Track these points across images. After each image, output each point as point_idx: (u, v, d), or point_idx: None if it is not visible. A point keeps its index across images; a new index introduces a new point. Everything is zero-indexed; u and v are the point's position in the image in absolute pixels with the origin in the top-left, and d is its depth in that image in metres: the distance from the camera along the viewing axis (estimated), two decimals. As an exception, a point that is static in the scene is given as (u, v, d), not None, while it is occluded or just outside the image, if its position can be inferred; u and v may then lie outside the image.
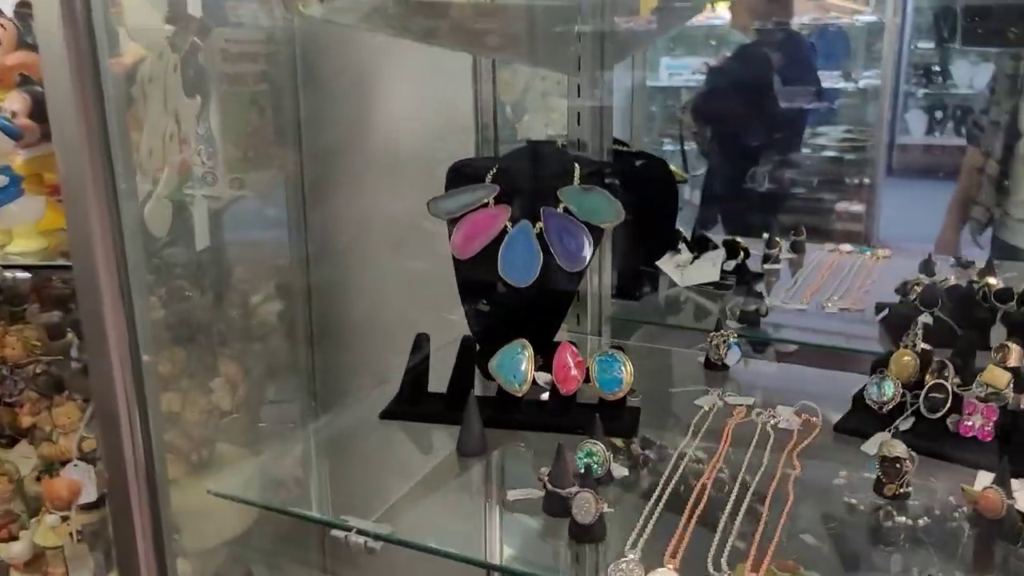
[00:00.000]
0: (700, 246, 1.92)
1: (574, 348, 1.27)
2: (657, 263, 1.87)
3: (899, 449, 1.01)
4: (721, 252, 1.85)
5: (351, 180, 1.88)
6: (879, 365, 1.28)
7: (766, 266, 1.95)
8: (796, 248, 2.06)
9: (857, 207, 4.70)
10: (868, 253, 2.03)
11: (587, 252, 1.35)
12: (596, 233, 1.37)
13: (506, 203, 1.41)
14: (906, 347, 1.28)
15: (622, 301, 1.79)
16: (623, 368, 1.23)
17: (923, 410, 1.15)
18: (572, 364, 1.25)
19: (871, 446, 1.15)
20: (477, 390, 1.29)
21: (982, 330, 1.44)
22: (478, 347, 1.34)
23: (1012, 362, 1.20)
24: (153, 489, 1.18)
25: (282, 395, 2.00)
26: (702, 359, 1.46)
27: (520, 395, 1.25)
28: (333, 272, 1.97)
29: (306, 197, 1.86)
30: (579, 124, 1.51)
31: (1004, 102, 2.14)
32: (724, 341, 1.40)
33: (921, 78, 6.28)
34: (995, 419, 1.10)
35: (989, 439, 1.10)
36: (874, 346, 1.52)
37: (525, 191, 1.43)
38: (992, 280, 1.52)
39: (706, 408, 1.29)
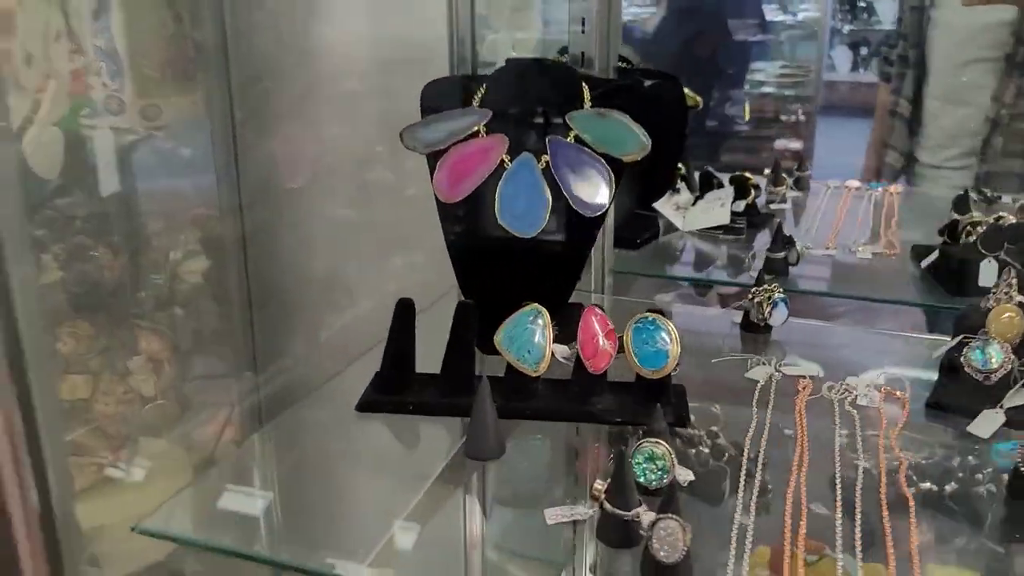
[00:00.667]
0: (703, 184, 1.67)
1: (601, 313, 1.00)
2: (655, 205, 1.62)
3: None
4: (729, 191, 1.60)
5: (292, 110, 1.55)
6: (966, 324, 1.06)
7: (772, 206, 1.72)
8: (800, 185, 1.84)
9: (795, 144, 4.56)
10: (879, 188, 1.82)
11: (606, 192, 1.08)
12: (616, 167, 1.10)
13: (501, 132, 1.13)
14: (999, 301, 1.06)
15: (618, 250, 1.53)
16: (668, 337, 0.97)
17: (1041, 380, 0.93)
18: (602, 334, 0.99)
19: (981, 427, 0.92)
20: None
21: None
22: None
23: None
24: (48, 512, 0.88)
25: (215, 370, 1.69)
26: (737, 319, 1.22)
27: (536, 376, 0.99)
28: (271, 222, 1.65)
29: (237, 132, 1.53)
30: (584, 33, 1.23)
31: (911, 35, 1.97)
32: (768, 298, 1.16)
33: (847, 14, 6.16)
34: None
35: None
36: (926, 297, 1.31)
37: (524, 117, 1.14)
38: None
39: (761, 382, 1.05)
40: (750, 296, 1.17)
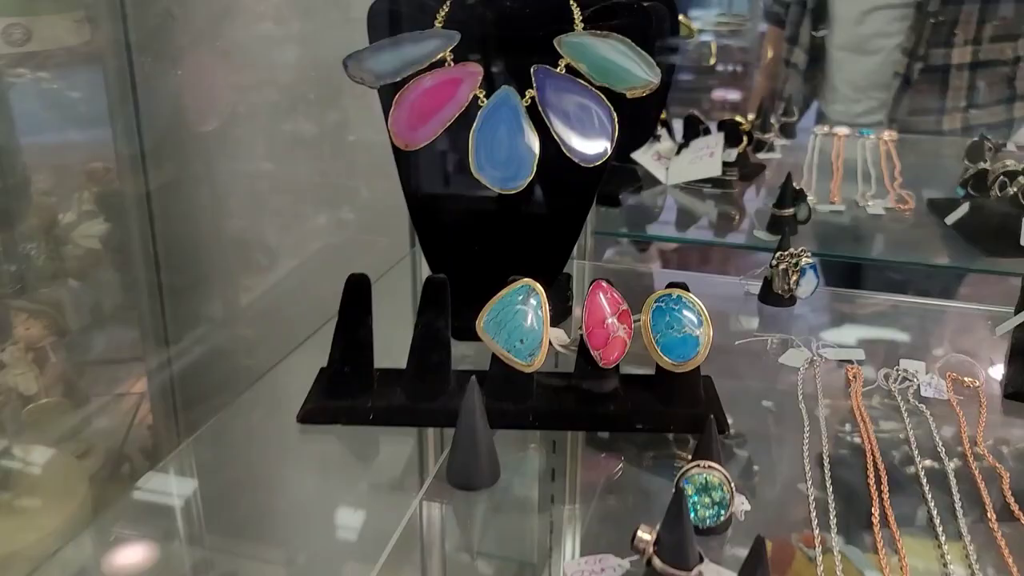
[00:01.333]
0: (688, 131, 1.47)
1: (610, 287, 0.79)
2: (633, 155, 1.41)
3: None
4: (719, 138, 1.40)
5: (201, 41, 1.28)
6: (1036, 293, 0.89)
7: (760, 155, 1.53)
8: (786, 132, 1.65)
9: (734, 95, 4.41)
10: (871, 135, 1.65)
11: (608, 136, 0.87)
12: (619, 105, 0.88)
13: (473, 60, 0.89)
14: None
15: (599, 208, 1.32)
16: (697, 319, 0.77)
17: None
18: (614, 317, 0.78)
19: (1082, 424, 0.75)
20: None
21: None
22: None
23: None
24: None
25: (119, 350, 1.43)
26: (753, 289, 1.02)
27: (530, 371, 0.77)
28: (179, 174, 1.39)
29: (134, 65, 1.25)
30: (568, -60, 0.99)
31: None
32: (795, 264, 0.96)
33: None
34: None
35: None
36: (959, 259, 1.14)
37: (502, 41, 0.91)
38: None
39: (801, 369, 0.86)
40: (774, 262, 0.98)
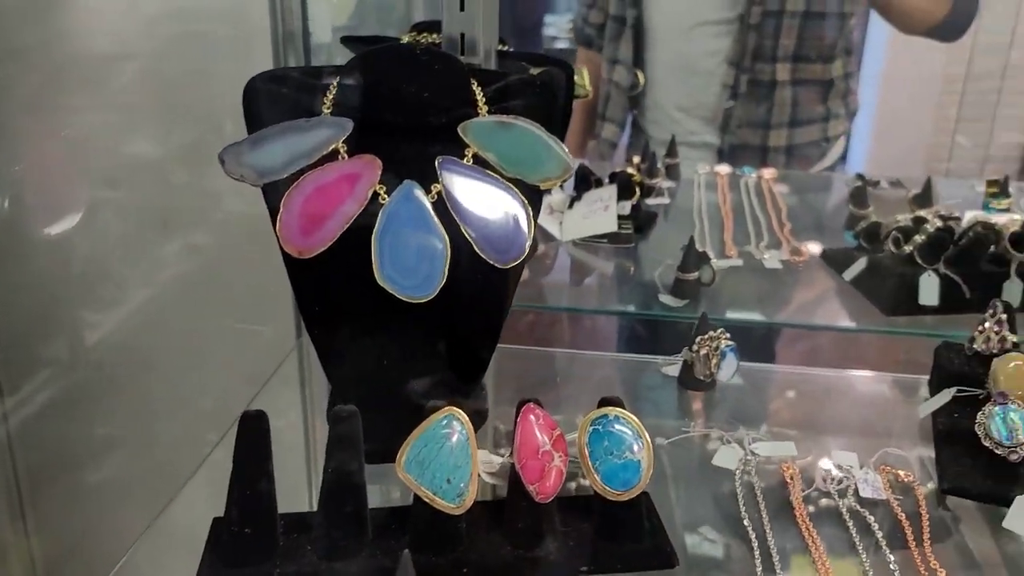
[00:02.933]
0: (579, 182, 1.42)
1: (541, 410, 0.72)
2: (525, 209, 1.34)
3: None
4: (611, 190, 1.36)
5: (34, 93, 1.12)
6: (951, 372, 0.89)
7: (650, 201, 1.50)
8: (671, 174, 1.63)
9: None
10: (752, 174, 1.65)
11: (525, 232, 0.80)
12: (533, 198, 0.81)
13: (370, 152, 0.80)
14: (989, 342, 0.89)
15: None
16: (638, 441, 0.71)
17: (1080, 454, 0.76)
18: (549, 443, 0.71)
19: (1021, 521, 0.75)
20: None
21: (989, 288, 1.10)
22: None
23: None
24: None
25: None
26: (671, 372, 0.98)
27: (459, 513, 0.69)
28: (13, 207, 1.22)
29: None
30: (462, 8, 0.90)
31: None
32: (716, 348, 0.92)
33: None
34: None
35: None
36: (862, 319, 1.14)
37: (400, 129, 0.82)
38: (998, 218, 1.19)
39: (736, 471, 0.82)
40: (694, 347, 0.93)
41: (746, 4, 1.57)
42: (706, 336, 0.93)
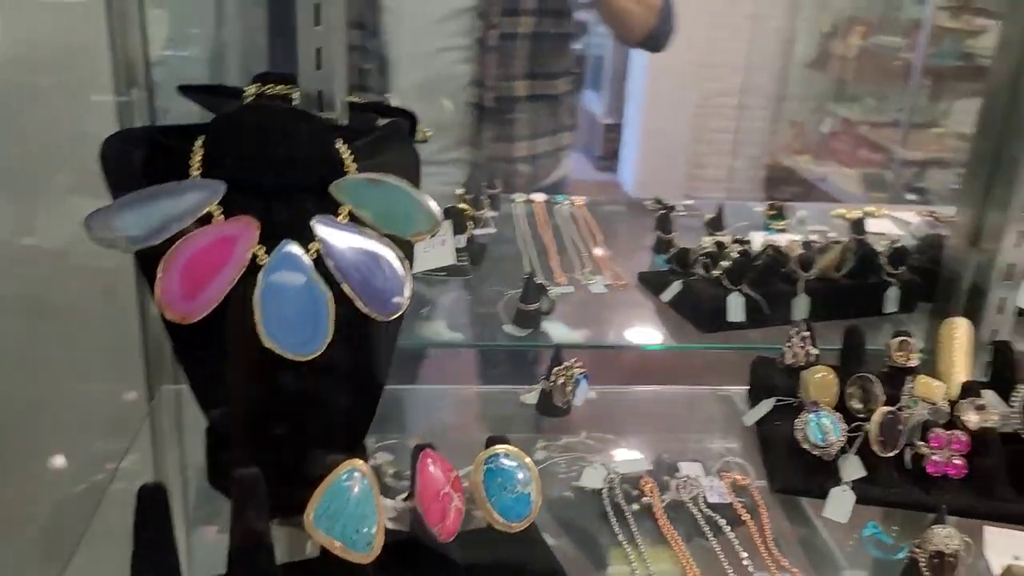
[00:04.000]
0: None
1: (438, 456, 0.77)
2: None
3: (955, 541, 0.76)
4: (447, 225, 1.42)
5: None
6: (765, 384, 1.03)
7: (478, 232, 1.57)
8: (494, 203, 1.72)
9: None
10: (564, 201, 1.78)
11: (404, 283, 0.84)
12: (407, 252, 0.86)
13: (245, 213, 0.81)
14: (796, 356, 1.04)
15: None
16: (526, 474, 0.78)
17: (876, 448, 0.92)
18: (448, 486, 0.76)
19: (836, 510, 0.89)
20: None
21: (781, 305, 1.28)
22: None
23: (913, 360, 1.04)
24: None
25: None
26: (529, 400, 1.05)
27: (369, 561, 0.72)
28: None
29: None
30: (319, 66, 0.92)
31: (369, 24, 1.70)
32: (571, 376, 1.01)
33: None
34: (964, 450, 0.92)
35: (963, 474, 0.92)
36: (681, 336, 1.27)
37: (273, 189, 0.84)
38: (779, 239, 1.37)
39: (603, 489, 0.91)
40: (551, 377, 1.02)
41: (483, 28, 1.64)
42: (562, 367, 1.02)
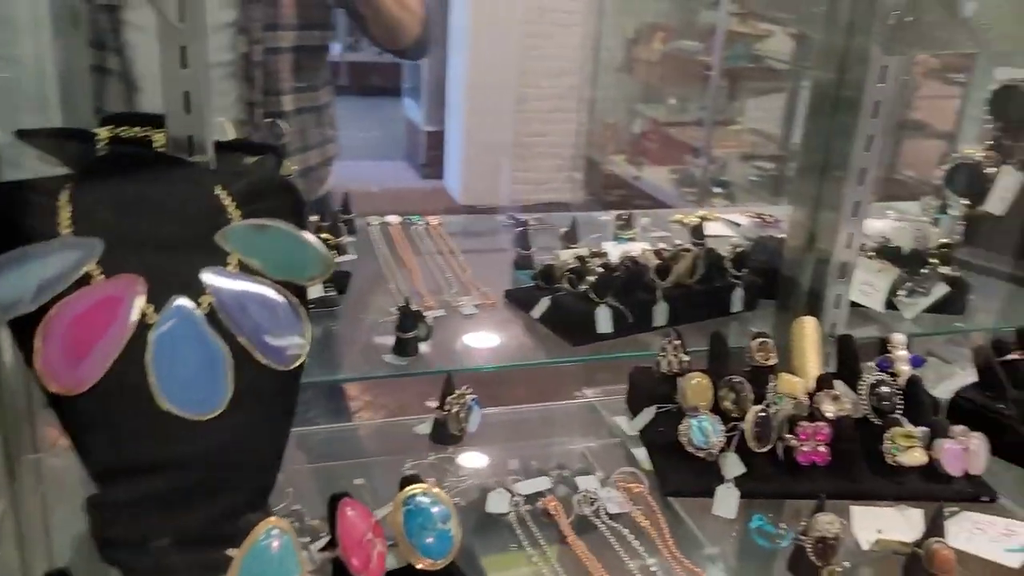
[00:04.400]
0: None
1: (357, 503, 0.76)
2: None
3: (835, 525, 0.84)
4: (309, 256, 1.38)
5: None
6: (642, 393, 1.09)
7: (340, 259, 1.55)
8: (350, 228, 1.69)
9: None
10: (420, 221, 1.78)
11: (302, 331, 0.82)
12: (301, 296, 0.84)
13: (127, 271, 0.76)
14: (671, 365, 1.10)
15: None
16: (445, 511, 0.78)
17: (752, 444, 1.00)
18: (370, 531, 0.75)
19: (724, 507, 0.95)
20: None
21: (643, 313, 1.35)
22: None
23: (772, 358, 1.13)
24: None
25: None
26: (423, 430, 1.06)
27: (300, 621, 0.71)
28: None
29: None
30: (188, 110, 0.87)
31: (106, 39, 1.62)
32: (464, 404, 1.03)
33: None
34: (827, 439, 1.01)
35: (828, 461, 1.01)
36: (555, 352, 1.31)
37: (156, 243, 0.79)
38: (632, 248, 1.44)
39: (511, 513, 0.93)
40: (444, 405, 1.02)
41: (248, 44, 1.61)
42: (455, 395, 1.03)
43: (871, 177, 1.24)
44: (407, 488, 0.79)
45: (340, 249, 1.54)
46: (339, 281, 1.43)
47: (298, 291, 0.83)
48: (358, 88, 7.63)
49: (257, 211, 0.84)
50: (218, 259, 0.80)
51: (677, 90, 5.56)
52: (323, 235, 1.45)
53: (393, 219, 1.76)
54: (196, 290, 0.78)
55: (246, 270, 0.81)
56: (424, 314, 1.31)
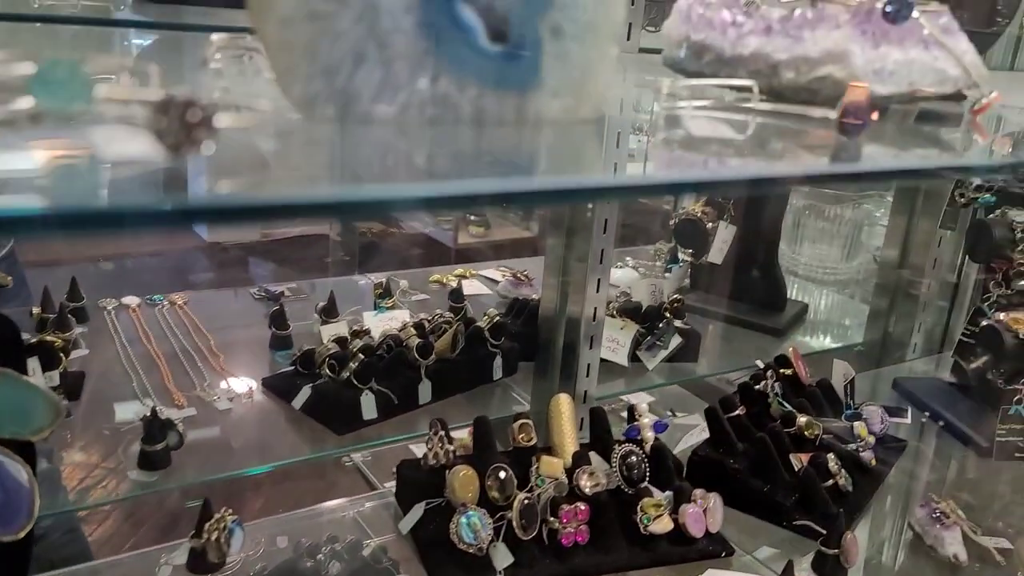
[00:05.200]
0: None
1: None
2: None
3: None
4: (34, 361, 1.25)
5: None
6: (410, 493, 1.09)
7: (73, 355, 1.41)
8: (79, 317, 1.55)
9: None
10: (163, 301, 1.67)
11: (32, 494, 0.74)
12: (28, 453, 0.76)
13: None
14: (437, 457, 1.11)
15: None
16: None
17: (519, 532, 1.03)
18: None
19: (499, 601, 0.98)
20: None
21: (408, 393, 1.35)
22: None
23: (533, 439, 1.17)
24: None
25: None
26: (179, 560, 0.99)
27: None
28: None
29: None
30: None
31: None
32: (223, 527, 0.97)
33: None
34: (586, 517, 1.07)
35: (588, 538, 1.06)
36: (316, 445, 1.28)
37: None
38: (393, 322, 1.44)
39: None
40: (202, 534, 0.96)
41: None
42: (213, 520, 0.97)
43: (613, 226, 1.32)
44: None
45: (71, 346, 1.40)
46: (70, 386, 1.30)
47: (24, 447, 0.75)
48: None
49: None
50: (-80, 425, 0.70)
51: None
52: (49, 337, 1.31)
53: (132, 300, 1.64)
54: None
55: (-43, 433, 0.72)
56: (174, 420, 1.22)
